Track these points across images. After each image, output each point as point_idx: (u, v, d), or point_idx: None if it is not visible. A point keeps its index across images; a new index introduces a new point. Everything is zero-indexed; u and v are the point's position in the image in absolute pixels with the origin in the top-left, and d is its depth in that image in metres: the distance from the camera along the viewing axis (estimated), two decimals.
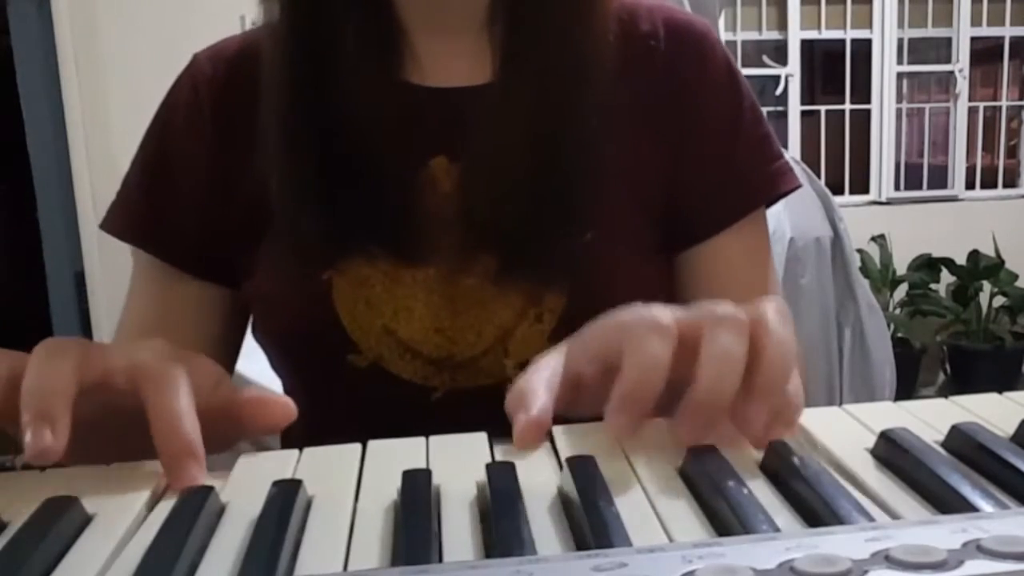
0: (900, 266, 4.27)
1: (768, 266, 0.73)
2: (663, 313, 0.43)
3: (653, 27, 0.70)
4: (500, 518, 0.32)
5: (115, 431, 0.43)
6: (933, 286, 4.29)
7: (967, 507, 0.32)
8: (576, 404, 0.45)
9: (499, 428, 0.44)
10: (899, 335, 4.08)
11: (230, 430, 0.47)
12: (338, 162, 0.64)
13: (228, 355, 0.74)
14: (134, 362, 0.43)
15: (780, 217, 1.92)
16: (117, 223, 0.72)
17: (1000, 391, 0.47)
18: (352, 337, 0.64)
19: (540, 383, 0.45)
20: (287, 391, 0.75)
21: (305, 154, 0.65)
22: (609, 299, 0.66)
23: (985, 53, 4.50)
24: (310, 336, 0.66)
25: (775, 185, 0.71)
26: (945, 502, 0.33)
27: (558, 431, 0.43)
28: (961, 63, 4.38)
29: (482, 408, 0.45)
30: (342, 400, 0.67)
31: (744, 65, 4.05)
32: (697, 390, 0.40)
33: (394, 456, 0.41)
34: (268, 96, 0.66)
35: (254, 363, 0.92)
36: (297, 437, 0.49)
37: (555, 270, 0.64)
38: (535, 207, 0.64)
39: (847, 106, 4.41)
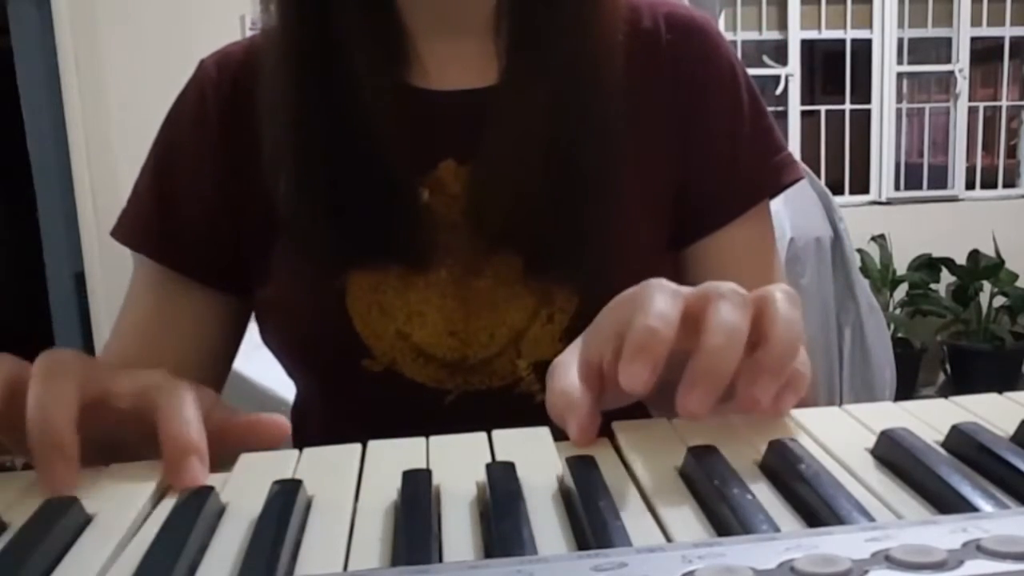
0: (900, 266, 4.27)
1: (773, 256, 0.73)
2: (669, 283, 0.45)
3: (655, 23, 0.70)
4: (500, 518, 0.32)
5: (114, 453, 0.43)
6: (933, 286, 4.29)
7: (967, 507, 0.32)
8: (604, 392, 0.45)
9: (512, 428, 0.44)
10: (899, 335, 4.08)
11: (223, 452, 0.47)
12: (346, 170, 0.64)
13: (224, 362, 0.74)
14: (141, 383, 0.44)
15: (780, 217, 1.93)
16: (126, 231, 0.72)
17: (1000, 391, 0.47)
18: (366, 343, 0.64)
19: (575, 380, 0.44)
20: (301, 396, 0.75)
21: (314, 163, 0.64)
22: None
23: (985, 53, 4.50)
24: (324, 343, 0.66)
25: (779, 177, 0.71)
26: (945, 502, 0.33)
27: None
28: (961, 63, 4.38)
29: (495, 409, 0.45)
30: (356, 405, 0.67)
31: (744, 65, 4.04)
32: (701, 357, 0.40)
33: (394, 456, 0.41)
34: (272, 104, 0.66)
35: (254, 363, 0.92)
36: (312, 441, 0.49)
37: (574, 269, 0.64)
38: (545, 207, 0.64)
39: (847, 106, 4.41)
